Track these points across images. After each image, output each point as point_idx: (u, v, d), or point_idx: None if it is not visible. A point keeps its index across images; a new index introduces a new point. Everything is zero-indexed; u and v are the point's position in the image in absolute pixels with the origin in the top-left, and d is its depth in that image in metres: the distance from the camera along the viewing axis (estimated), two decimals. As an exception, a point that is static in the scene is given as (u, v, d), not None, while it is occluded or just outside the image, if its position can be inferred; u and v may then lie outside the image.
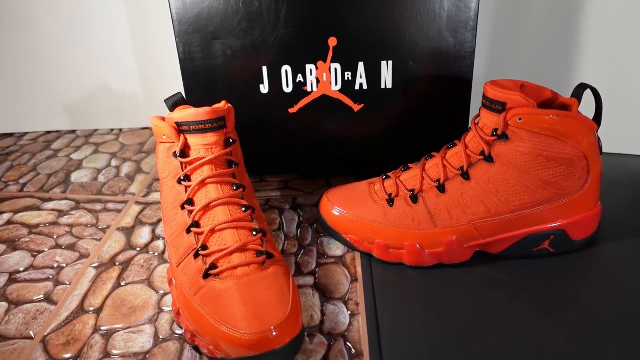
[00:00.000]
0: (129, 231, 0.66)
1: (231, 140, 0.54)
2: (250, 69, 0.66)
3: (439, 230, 0.55)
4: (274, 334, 0.42)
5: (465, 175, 0.55)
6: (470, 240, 0.56)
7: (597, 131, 0.54)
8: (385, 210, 0.57)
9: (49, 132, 0.99)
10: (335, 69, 0.66)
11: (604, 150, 0.77)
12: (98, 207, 0.72)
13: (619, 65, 0.75)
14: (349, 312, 0.52)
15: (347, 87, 0.67)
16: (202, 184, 0.52)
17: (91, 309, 0.53)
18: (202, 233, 0.50)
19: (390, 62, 0.66)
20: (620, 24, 0.73)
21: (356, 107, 0.68)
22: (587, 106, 0.56)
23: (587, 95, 0.55)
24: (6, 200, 0.75)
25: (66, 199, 0.75)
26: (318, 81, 0.67)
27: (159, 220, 0.68)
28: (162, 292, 0.55)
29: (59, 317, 0.52)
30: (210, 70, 0.66)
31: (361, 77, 0.67)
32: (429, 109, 0.69)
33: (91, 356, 0.47)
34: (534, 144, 0.52)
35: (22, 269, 0.60)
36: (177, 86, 0.90)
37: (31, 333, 0.51)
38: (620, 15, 0.73)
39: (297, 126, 0.69)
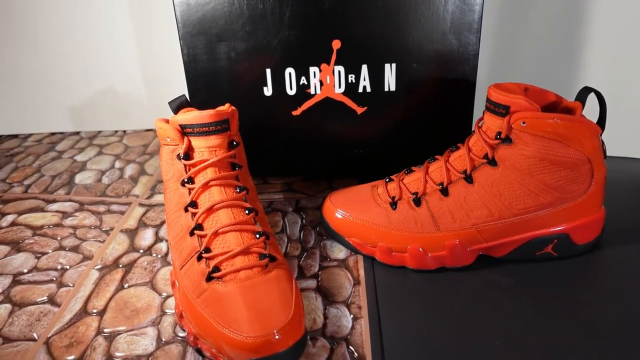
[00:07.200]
0: (132, 233, 0.66)
1: (235, 143, 0.54)
2: (254, 72, 0.66)
3: (442, 234, 0.55)
4: (277, 337, 0.42)
5: (469, 179, 0.55)
6: (473, 244, 0.56)
7: (601, 135, 0.53)
8: (388, 213, 0.57)
9: (53, 134, 0.99)
10: (339, 72, 0.66)
11: (608, 153, 0.77)
12: (102, 208, 0.73)
13: (623, 68, 0.75)
14: (352, 316, 0.52)
15: (351, 89, 0.67)
16: (206, 186, 0.52)
17: (94, 311, 0.53)
18: (205, 236, 0.50)
19: (393, 65, 0.65)
20: (624, 27, 0.73)
21: (359, 110, 0.68)
22: (591, 110, 0.55)
23: (591, 98, 0.55)
24: (10, 202, 0.75)
25: (70, 200, 0.75)
26: (321, 84, 0.67)
27: (162, 223, 0.68)
28: (165, 294, 0.55)
29: (62, 319, 0.52)
30: (214, 73, 0.66)
31: (365, 80, 0.67)
32: (432, 111, 0.69)
33: (94, 358, 0.48)
34: (538, 148, 0.52)
35: (25, 271, 0.60)
36: (181, 88, 0.91)
37: (34, 335, 0.51)
38: (624, 19, 0.72)
39: (301, 129, 0.69)
